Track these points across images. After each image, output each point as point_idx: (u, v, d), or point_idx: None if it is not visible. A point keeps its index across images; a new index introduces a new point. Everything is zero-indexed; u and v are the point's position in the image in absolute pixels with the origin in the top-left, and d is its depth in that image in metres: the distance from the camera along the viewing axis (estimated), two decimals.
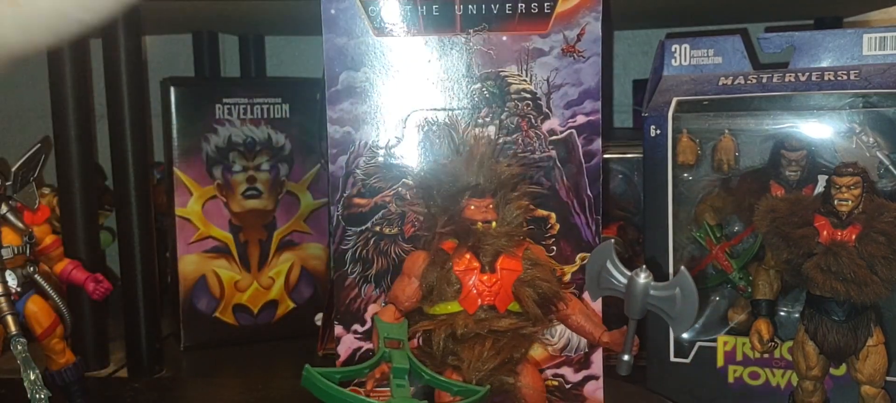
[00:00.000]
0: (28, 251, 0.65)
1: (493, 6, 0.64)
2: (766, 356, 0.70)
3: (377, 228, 0.65)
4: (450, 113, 0.64)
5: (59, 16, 0.64)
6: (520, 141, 0.65)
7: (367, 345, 0.66)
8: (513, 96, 0.65)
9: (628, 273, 0.55)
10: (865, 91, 0.68)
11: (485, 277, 0.57)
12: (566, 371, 0.68)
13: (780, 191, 0.71)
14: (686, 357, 0.73)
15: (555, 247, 0.66)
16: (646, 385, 0.73)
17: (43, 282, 0.67)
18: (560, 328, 0.66)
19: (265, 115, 0.94)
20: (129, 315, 0.83)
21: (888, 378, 0.62)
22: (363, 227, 0.65)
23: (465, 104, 0.65)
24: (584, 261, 0.66)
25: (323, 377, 0.51)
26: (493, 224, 0.58)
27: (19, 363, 0.61)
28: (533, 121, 0.65)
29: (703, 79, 0.75)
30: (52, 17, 0.64)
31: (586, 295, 0.64)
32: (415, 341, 0.60)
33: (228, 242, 0.93)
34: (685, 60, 0.76)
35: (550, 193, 0.66)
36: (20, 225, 0.65)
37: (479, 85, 0.65)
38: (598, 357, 0.68)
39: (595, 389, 0.68)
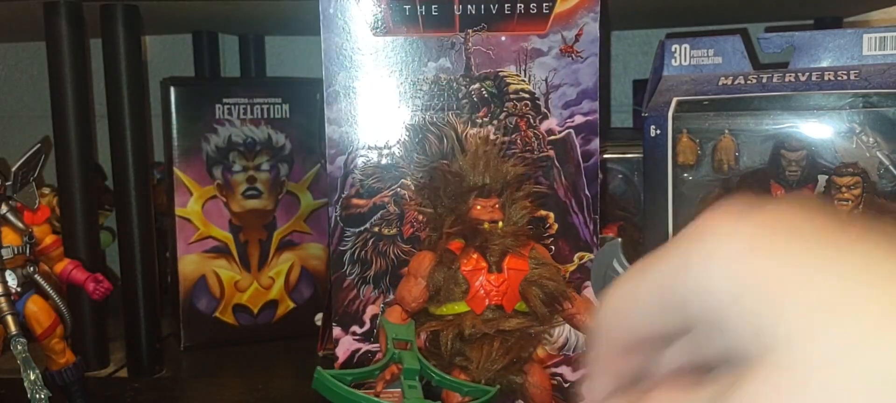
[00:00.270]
0: (28, 251, 0.65)
1: (491, 6, 0.64)
2: None
3: (376, 229, 0.65)
4: (448, 113, 0.64)
5: None
6: (518, 141, 0.65)
7: (365, 347, 0.66)
8: (511, 96, 0.65)
9: None
10: (865, 91, 0.67)
11: (492, 277, 0.57)
12: (564, 371, 0.68)
13: (781, 192, 0.71)
14: None
15: (553, 247, 0.66)
16: None
17: (43, 282, 0.67)
18: (558, 327, 0.66)
19: (265, 115, 0.93)
20: (129, 315, 0.83)
21: None
22: (362, 228, 0.65)
23: (464, 104, 0.65)
24: (583, 261, 0.66)
25: (335, 379, 0.51)
26: (500, 224, 0.58)
27: (19, 363, 0.61)
28: (531, 121, 0.65)
29: (703, 79, 0.74)
30: None
31: (590, 293, 0.64)
32: (420, 341, 0.60)
33: (228, 242, 0.93)
34: (685, 60, 0.76)
35: (549, 193, 0.66)
36: (20, 225, 0.65)
37: (477, 85, 0.65)
38: None
39: None
